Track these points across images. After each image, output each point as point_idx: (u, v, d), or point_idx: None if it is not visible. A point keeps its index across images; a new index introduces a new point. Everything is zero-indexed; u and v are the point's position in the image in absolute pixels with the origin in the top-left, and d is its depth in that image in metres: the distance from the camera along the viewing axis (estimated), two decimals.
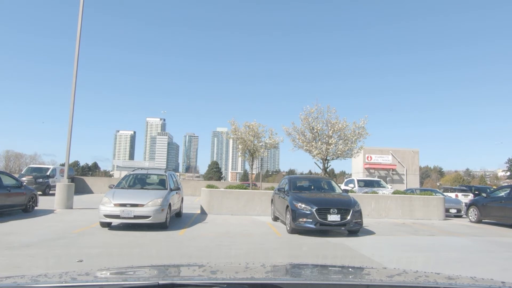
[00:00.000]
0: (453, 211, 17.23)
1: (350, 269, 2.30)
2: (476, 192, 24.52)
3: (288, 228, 10.23)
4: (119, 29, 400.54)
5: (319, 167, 17.76)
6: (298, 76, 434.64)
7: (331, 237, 9.87)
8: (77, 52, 15.12)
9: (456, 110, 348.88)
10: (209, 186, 15.53)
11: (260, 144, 19.73)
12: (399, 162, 34.55)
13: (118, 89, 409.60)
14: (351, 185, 19.17)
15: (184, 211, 13.63)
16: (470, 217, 15.22)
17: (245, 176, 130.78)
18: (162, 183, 11.48)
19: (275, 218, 12.88)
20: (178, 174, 64.18)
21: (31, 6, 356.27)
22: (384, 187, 20.48)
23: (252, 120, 19.94)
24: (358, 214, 10.15)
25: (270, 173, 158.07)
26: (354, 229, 10.19)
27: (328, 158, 17.31)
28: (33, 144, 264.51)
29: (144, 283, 1.62)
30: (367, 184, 20.51)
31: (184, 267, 2.48)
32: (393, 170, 34.52)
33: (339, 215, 9.79)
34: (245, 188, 16.42)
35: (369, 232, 10.83)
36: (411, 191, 19.82)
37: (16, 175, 18.51)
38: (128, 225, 10.16)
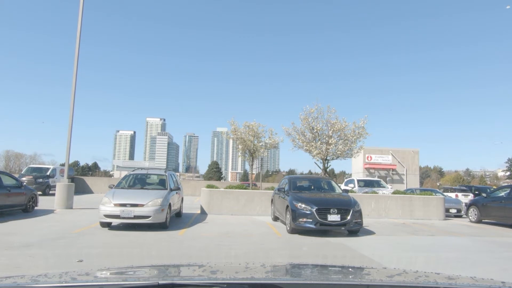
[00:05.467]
0: (453, 211, 17.23)
1: (350, 269, 2.29)
2: (476, 192, 24.53)
3: (288, 228, 10.22)
4: (119, 29, 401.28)
5: (319, 167, 17.78)
6: (298, 76, 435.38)
7: (331, 237, 9.87)
8: (77, 52, 15.12)
9: (456, 110, 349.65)
10: (209, 186, 15.52)
11: (260, 144, 19.72)
12: (399, 162, 34.55)
13: (118, 89, 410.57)
14: (351, 185, 19.17)
15: (184, 211, 13.63)
16: (470, 217, 15.22)
17: (245, 176, 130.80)
18: (162, 183, 11.48)
19: (275, 218, 12.87)
20: (178, 174, 64.15)
21: (31, 6, 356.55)
22: (384, 187, 20.48)
23: (252, 120, 19.97)
24: (358, 214, 10.15)
25: (270, 173, 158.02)
26: (354, 229, 10.18)
27: (328, 158, 17.31)
28: (33, 144, 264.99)
29: (144, 283, 1.62)
30: (367, 184, 20.51)
31: (184, 267, 2.48)
32: (393, 170, 34.52)
33: (339, 215, 9.79)
34: (245, 188, 16.42)
35: (369, 232, 10.83)
36: (411, 191, 19.81)
37: (16, 175, 18.50)
38: (128, 225, 10.16)
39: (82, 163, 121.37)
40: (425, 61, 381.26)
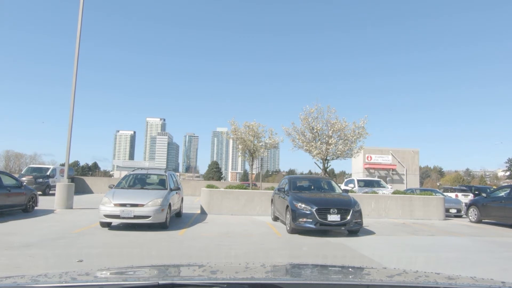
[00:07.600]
0: (453, 211, 17.23)
1: (350, 269, 2.29)
2: (476, 192, 24.53)
3: (288, 228, 10.22)
4: (119, 29, 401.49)
5: (319, 167, 17.77)
6: (298, 76, 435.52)
7: (331, 237, 9.87)
8: (77, 52, 15.12)
9: (456, 110, 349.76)
10: (209, 186, 15.52)
11: (260, 144, 19.72)
12: (399, 162, 34.55)
13: (118, 89, 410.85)
14: (351, 185, 19.16)
15: (184, 211, 13.63)
16: (470, 217, 15.22)
17: (245, 176, 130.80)
18: (162, 183, 11.48)
19: (275, 218, 12.87)
20: (178, 174, 64.15)
21: (31, 6, 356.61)
22: (384, 187, 20.47)
23: (252, 120, 19.98)
24: (358, 214, 10.15)
25: (270, 173, 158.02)
26: (354, 229, 10.18)
27: (328, 158, 17.30)
28: (33, 144, 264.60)
29: (144, 283, 1.62)
30: (367, 184, 20.50)
31: (184, 267, 2.48)
32: (393, 170, 34.52)
33: (339, 215, 9.79)
34: (245, 188, 16.42)
35: (369, 232, 10.83)
36: (411, 191, 19.81)
37: (16, 175, 18.50)
38: (128, 225, 10.16)
39: (82, 163, 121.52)
40: (425, 61, 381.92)
